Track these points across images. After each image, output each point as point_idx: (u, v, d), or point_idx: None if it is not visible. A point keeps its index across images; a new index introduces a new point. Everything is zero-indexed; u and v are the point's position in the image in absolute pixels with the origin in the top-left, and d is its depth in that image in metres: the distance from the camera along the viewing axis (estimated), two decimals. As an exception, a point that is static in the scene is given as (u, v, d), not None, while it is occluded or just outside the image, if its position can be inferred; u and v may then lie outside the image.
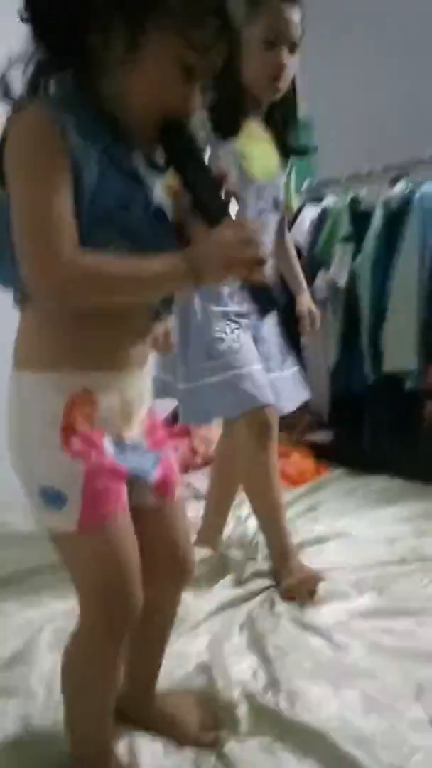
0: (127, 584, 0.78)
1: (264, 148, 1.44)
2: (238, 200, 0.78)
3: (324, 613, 1.37)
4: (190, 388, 1.47)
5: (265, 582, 1.52)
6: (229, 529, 1.83)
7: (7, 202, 0.69)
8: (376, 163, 2.61)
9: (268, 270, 0.79)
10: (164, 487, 0.88)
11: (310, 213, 2.74)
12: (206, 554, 1.63)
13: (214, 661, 1.18)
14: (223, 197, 0.77)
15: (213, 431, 2.30)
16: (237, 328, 1.47)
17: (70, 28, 0.69)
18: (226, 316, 1.47)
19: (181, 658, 1.17)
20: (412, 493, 2.16)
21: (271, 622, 1.33)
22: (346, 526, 1.88)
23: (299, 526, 1.90)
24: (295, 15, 1.35)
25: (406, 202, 2.34)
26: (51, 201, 0.67)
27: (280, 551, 1.54)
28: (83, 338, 0.75)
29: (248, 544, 1.76)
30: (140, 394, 0.83)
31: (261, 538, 1.65)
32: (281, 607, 1.40)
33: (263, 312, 0.82)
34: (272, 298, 0.81)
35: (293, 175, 1.66)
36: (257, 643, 1.25)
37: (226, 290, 1.46)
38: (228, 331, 1.45)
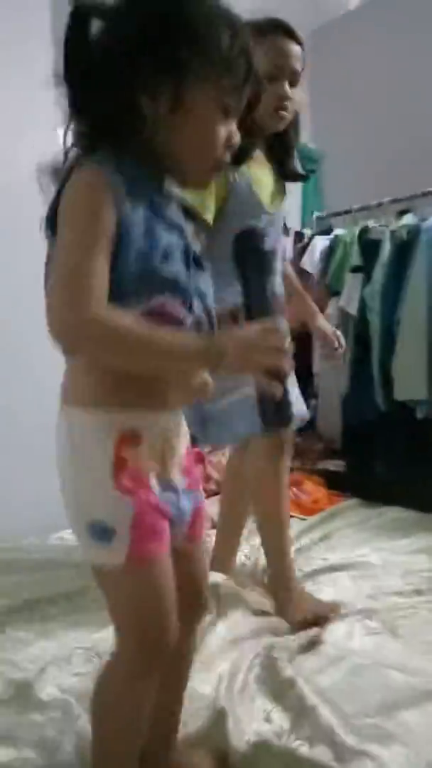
0: (166, 620, 0.80)
1: (267, 175, 1.49)
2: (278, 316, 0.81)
3: (337, 646, 1.35)
4: (216, 408, 1.48)
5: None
6: (242, 557, 1.82)
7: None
8: (383, 196, 2.65)
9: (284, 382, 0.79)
10: (195, 529, 0.89)
11: (320, 244, 2.79)
12: (220, 579, 1.61)
13: (228, 701, 1.16)
14: (268, 308, 0.81)
15: (225, 458, 2.31)
16: None
17: (116, 102, 0.75)
18: None
19: (194, 699, 1.14)
20: (427, 524, 2.14)
21: (286, 657, 1.32)
22: (360, 556, 1.87)
23: (312, 555, 1.90)
24: (295, 49, 1.43)
25: (413, 233, 2.37)
26: (88, 256, 0.69)
27: (280, 569, 1.56)
28: (129, 378, 0.76)
29: (261, 573, 1.75)
30: (181, 432, 0.86)
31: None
32: (292, 640, 1.39)
33: (269, 420, 0.83)
34: (282, 409, 0.82)
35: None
36: (272, 681, 1.23)
37: None
38: None
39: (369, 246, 2.53)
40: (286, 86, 1.42)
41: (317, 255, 2.76)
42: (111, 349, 0.71)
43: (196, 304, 0.79)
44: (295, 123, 1.50)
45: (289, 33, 1.43)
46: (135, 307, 0.73)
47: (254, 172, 1.43)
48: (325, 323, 1.78)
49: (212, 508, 2.12)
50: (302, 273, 2.78)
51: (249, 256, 0.83)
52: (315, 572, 1.77)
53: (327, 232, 2.86)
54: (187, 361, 0.75)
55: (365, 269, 2.52)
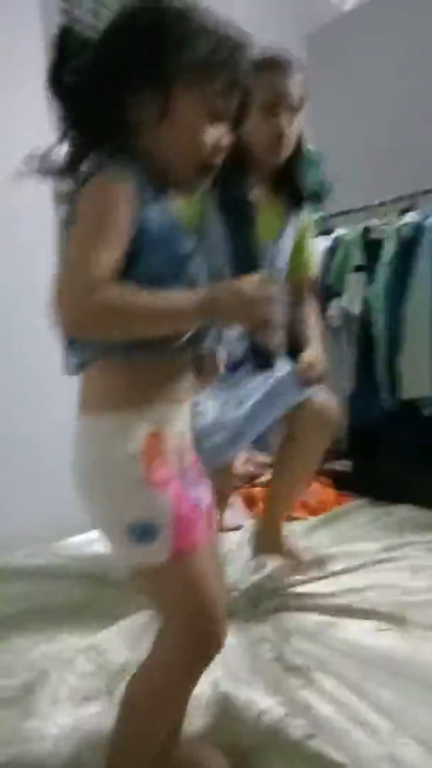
0: (216, 612, 0.80)
1: (270, 211, 1.48)
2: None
3: (343, 638, 1.35)
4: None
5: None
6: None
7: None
8: (384, 196, 2.65)
9: (277, 333, 0.81)
10: (212, 515, 0.90)
11: (322, 244, 2.79)
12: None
13: (228, 693, 1.16)
14: (254, 254, 0.81)
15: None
16: None
17: (108, 114, 0.78)
18: None
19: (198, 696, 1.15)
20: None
21: (289, 646, 1.31)
22: (369, 555, 1.86)
23: (321, 553, 1.88)
24: (291, 85, 1.42)
25: (416, 231, 2.37)
26: (99, 248, 0.71)
27: (273, 520, 1.62)
28: (145, 376, 0.79)
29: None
30: (187, 426, 0.87)
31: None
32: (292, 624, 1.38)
33: (257, 367, 0.84)
34: (269, 359, 0.83)
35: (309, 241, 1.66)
36: (277, 671, 1.23)
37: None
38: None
39: (371, 245, 2.53)
40: (283, 120, 1.41)
41: (318, 256, 2.76)
42: (118, 327, 0.73)
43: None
44: (298, 152, 1.52)
45: (284, 67, 1.42)
46: None
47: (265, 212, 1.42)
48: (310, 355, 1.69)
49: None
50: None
51: (233, 207, 0.84)
52: (324, 568, 1.76)
53: (328, 232, 2.86)
54: (188, 316, 0.76)
55: (368, 269, 2.51)
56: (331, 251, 2.71)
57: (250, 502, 2.36)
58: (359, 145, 3.07)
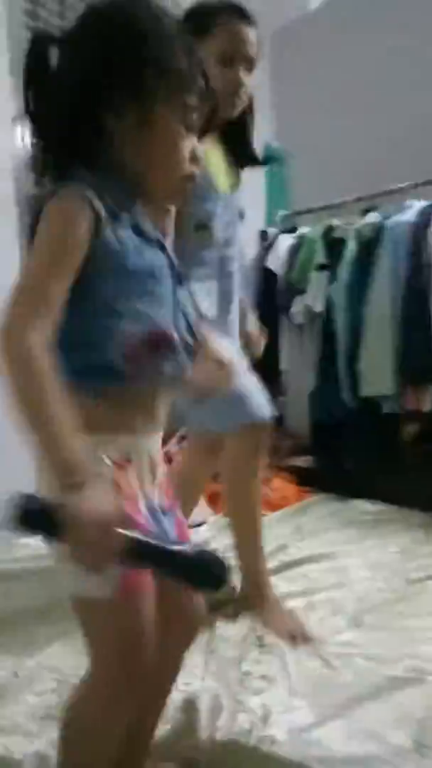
0: (146, 646, 0.79)
1: (219, 158, 1.46)
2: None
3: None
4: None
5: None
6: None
7: None
8: (348, 195, 2.69)
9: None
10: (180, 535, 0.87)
11: (285, 242, 2.81)
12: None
13: (198, 697, 1.16)
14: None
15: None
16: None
17: (81, 125, 0.75)
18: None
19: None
20: (395, 517, 2.18)
21: (256, 649, 1.32)
22: (330, 550, 1.88)
23: (282, 548, 1.91)
24: (250, 34, 1.38)
25: (377, 231, 2.41)
26: (46, 280, 0.69)
27: (255, 574, 1.53)
28: (121, 406, 0.76)
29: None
30: (159, 455, 0.84)
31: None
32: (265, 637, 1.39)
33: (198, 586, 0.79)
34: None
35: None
36: (240, 675, 1.24)
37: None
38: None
39: (334, 244, 2.56)
40: (241, 72, 1.38)
41: (282, 253, 2.78)
42: (12, 382, 0.65)
43: (181, 322, 0.79)
44: (250, 108, 1.47)
45: (243, 15, 1.37)
46: (118, 327, 0.72)
47: (206, 152, 1.40)
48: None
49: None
50: (267, 273, 2.80)
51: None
52: (285, 565, 1.78)
53: (292, 230, 2.88)
54: (51, 461, 0.67)
55: (330, 267, 2.54)
56: (295, 249, 2.73)
57: (212, 499, 2.36)
58: (323, 144, 3.09)
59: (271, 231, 3.00)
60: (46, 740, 1.05)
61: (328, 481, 2.52)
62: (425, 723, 1.06)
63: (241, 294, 1.65)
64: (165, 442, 0.92)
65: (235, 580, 1.55)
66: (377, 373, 2.33)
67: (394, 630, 1.40)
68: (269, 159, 3.24)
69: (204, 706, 1.14)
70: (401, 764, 0.97)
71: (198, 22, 1.33)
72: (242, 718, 1.11)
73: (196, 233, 1.37)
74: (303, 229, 2.79)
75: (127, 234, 0.75)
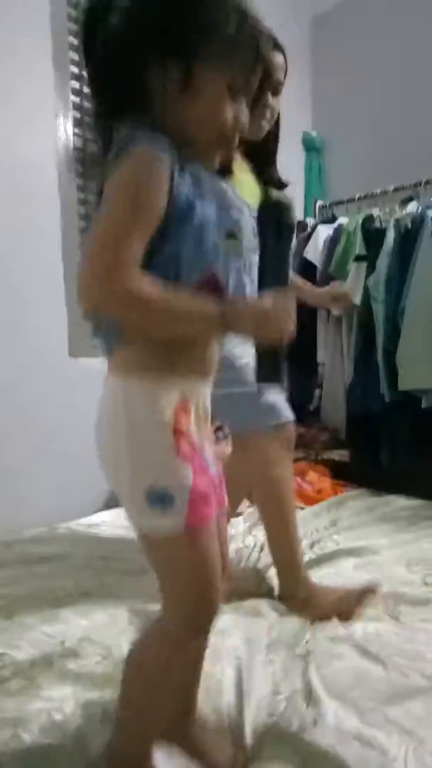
0: (215, 587, 0.82)
1: (245, 172, 1.47)
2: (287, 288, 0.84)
3: (337, 633, 1.37)
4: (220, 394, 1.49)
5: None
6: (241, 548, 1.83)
7: None
8: (387, 184, 2.64)
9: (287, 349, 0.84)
10: (222, 497, 0.92)
11: (323, 232, 2.77)
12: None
13: (240, 683, 1.18)
14: (284, 277, 0.82)
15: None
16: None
17: (131, 83, 0.78)
18: None
19: (207, 679, 1.17)
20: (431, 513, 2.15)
21: (293, 641, 1.33)
22: (366, 545, 1.87)
23: (317, 542, 1.91)
24: (279, 59, 1.43)
25: (418, 221, 2.36)
26: (129, 221, 0.72)
27: (292, 570, 1.54)
28: (178, 347, 0.80)
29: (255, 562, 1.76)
30: (209, 402, 0.89)
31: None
32: (302, 625, 1.40)
33: (265, 378, 0.85)
34: (279, 371, 0.85)
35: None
36: (276, 664, 1.24)
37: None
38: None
39: (373, 235, 2.52)
40: (269, 95, 1.42)
41: (320, 244, 2.75)
42: (135, 310, 0.74)
43: (233, 277, 0.82)
44: (275, 132, 1.51)
45: (274, 44, 1.40)
46: (189, 277, 0.76)
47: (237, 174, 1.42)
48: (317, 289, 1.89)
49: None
50: (306, 264, 2.77)
51: (272, 226, 0.84)
52: (320, 559, 1.78)
53: (330, 220, 2.84)
54: (206, 325, 0.78)
55: (369, 258, 2.50)
56: (333, 240, 2.70)
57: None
58: (363, 132, 3.04)
59: (309, 221, 2.97)
60: (92, 704, 1.09)
61: (363, 476, 2.50)
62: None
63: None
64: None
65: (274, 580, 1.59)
66: (416, 366, 2.29)
67: (429, 626, 1.39)
68: (308, 148, 3.21)
69: (250, 688, 1.16)
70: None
71: None
72: (286, 704, 1.12)
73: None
74: (342, 220, 2.75)
75: (192, 188, 0.77)
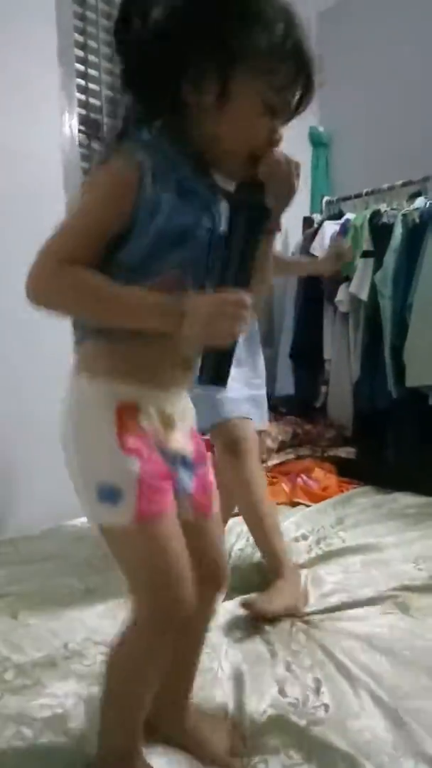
0: (177, 579, 0.82)
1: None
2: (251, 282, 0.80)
3: (346, 629, 1.36)
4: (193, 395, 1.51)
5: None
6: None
7: None
8: (394, 179, 2.62)
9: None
10: (201, 502, 0.91)
11: (330, 228, 2.76)
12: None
13: (240, 676, 1.18)
14: (246, 270, 0.80)
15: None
16: None
17: (164, 87, 0.76)
18: None
19: (206, 673, 1.17)
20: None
21: (293, 637, 1.33)
22: (372, 542, 1.86)
23: (323, 539, 1.90)
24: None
25: (425, 216, 2.34)
26: (79, 223, 0.76)
27: (272, 556, 1.55)
28: (134, 357, 0.81)
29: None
30: (181, 411, 0.89)
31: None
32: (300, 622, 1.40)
33: (208, 381, 0.83)
34: (224, 374, 0.83)
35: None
36: (281, 658, 1.24)
37: None
38: None
39: (380, 230, 2.50)
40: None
41: (327, 240, 2.73)
42: (77, 306, 0.77)
43: (208, 283, 0.81)
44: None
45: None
46: (137, 282, 0.76)
47: None
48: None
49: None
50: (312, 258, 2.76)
51: (243, 212, 0.81)
52: (326, 556, 1.77)
53: (337, 216, 2.83)
54: (151, 317, 0.76)
55: (376, 254, 2.49)
56: (340, 236, 2.68)
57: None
58: (369, 127, 3.02)
59: (316, 217, 2.95)
60: (95, 702, 1.07)
61: (369, 473, 2.49)
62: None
63: None
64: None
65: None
66: (424, 363, 2.27)
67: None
68: (314, 144, 3.19)
69: (249, 682, 1.16)
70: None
71: None
72: (291, 693, 1.12)
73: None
74: (348, 215, 2.73)
75: (166, 196, 0.75)
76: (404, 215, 2.40)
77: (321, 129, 3.19)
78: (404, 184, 2.57)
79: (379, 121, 2.97)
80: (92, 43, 2.26)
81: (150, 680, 0.88)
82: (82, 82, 2.23)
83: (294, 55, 0.75)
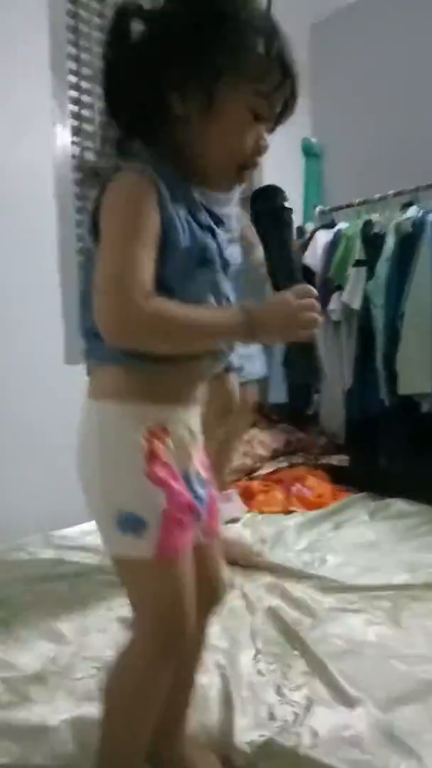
0: (185, 614, 0.81)
1: None
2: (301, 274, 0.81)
3: (336, 636, 1.36)
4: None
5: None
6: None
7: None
8: (387, 189, 2.64)
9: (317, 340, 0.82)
10: (212, 527, 0.90)
11: (322, 238, 2.78)
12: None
13: (228, 696, 1.15)
14: (293, 265, 0.81)
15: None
16: None
17: (148, 101, 0.76)
18: None
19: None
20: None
21: (279, 640, 1.33)
22: (366, 550, 1.87)
23: (318, 547, 1.90)
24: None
25: (417, 226, 2.36)
26: (135, 247, 0.71)
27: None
28: (159, 375, 0.78)
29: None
30: (198, 427, 0.87)
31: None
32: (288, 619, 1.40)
33: (301, 379, 0.83)
34: (316, 370, 0.82)
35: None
36: (274, 673, 1.24)
37: None
38: None
39: (372, 240, 2.52)
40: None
41: (319, 249, 2.75)
42: (162, 332, 0.72)
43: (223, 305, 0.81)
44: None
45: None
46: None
47: None
48: None
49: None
50: (304, 269, 2.77)
51: (265, 216, 0.82)
52: (321, 563, 1.77)
53: (329, 226, 2.85)
54: (230, 333, 0.76)
55: (368, 263, 2.50)
56: (332, 245, 2.70)
57: (247, 496, 2.37)
58: (361, 138, 3.05)
59: (308, 227, 2.97)
60: (85, 713, 1.08)
61: (363, 480, 2.49)
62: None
63: None
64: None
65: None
66: (416, 371, 2.29)
67: (429, 629, 1.38)
68: (307, 154, 3.22)
69: (240, 698, 1.15)
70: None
71: None
72: (281, 712, 1.11)
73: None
74: (341, 225, 2.75)
75: (182, 213, 0.75)
76: (396, 225, 2.42)
77: (314, 140, 3.22)
78: (396, 194, 2.60)
79: (371, 131, 3.00)
80: (85, 55, 2.28)
81: (153, 709, 0.86)
82: (74, 93, 2.24)
83: (276, 62, 0.76)
